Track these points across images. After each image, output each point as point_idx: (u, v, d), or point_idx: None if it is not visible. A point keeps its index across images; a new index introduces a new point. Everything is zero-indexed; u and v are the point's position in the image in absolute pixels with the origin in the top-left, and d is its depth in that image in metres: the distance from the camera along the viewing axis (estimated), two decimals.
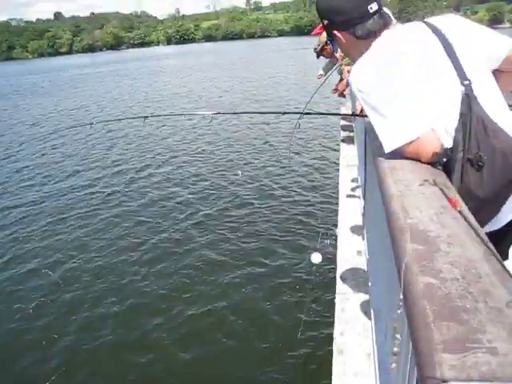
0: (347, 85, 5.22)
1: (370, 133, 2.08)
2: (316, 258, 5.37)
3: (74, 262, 7.52)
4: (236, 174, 10.85)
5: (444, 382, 0.60)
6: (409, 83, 1.51)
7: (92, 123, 3.76)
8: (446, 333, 0.69)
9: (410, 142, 1.50)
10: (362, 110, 2.92)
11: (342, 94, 6.26)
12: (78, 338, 5.61)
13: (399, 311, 1.49)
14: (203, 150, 13.85)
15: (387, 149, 1.54)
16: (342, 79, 6.16)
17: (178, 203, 9.87)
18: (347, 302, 2.81)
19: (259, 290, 6.25)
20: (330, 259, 6.12)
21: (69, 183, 11.93)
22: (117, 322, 5.88)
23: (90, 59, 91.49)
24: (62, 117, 21.56)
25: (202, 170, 12.16)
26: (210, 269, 6.91)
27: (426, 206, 1.16)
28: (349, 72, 4.19)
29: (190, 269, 6.99)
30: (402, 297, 0.89)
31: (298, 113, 2.65)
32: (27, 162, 14.19)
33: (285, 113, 2.66)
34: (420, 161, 1.54)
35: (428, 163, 1.53)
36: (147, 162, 13.30)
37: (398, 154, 1.55)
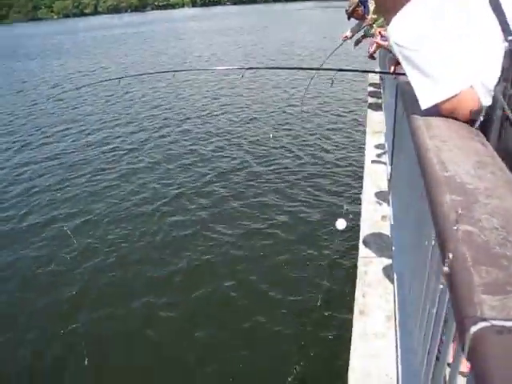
0: (377, 47, 5.08)
1: (404, 91, 2.03)
2: (341, 224, 5.37)
3: (89, 215, 7.81)
4: (267, 134, 10.83)
5: (483, 320, 0.60)
6: (450, 37, 1.46)
7: (122, 77, 3.75)
8: (485, 276, 0.68)
9: (448, 99, 1.45)
10: (394, 70, 2.85)
11: (371, 56, 6.12)
12: (86, 285, 5.93)
13: (430, 262, 1.49)
14: (231, 106, 14.04)
15: (424, 105, 1.50)
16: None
17: (201, 159, 10.05)
18: (370, 265, 2.82)
19: (280, 254, 6.34)
20: (354, 225, 6.17)
21: (89, 139, 12.25)
22: (126, 269, 6.21)
23: (115, 20, 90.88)
24: (84, 76, 21.67)
25: (229, 126, 12.28)
26: (231, 231, 7.02)
27: (464, 160, 1.13)
28: (380, 34, 4.05)
29: (208, 229, 7.13)
30: (436, 246, 0.88)
31: (333, 69, 2.58)
32: (49, 119, 14.39)
33: (318, 69, 2.60)
34: (457, 118, 1.50)
35: (465, 121, 1.49)
36: (172, 117, 13.50)
37: (434, 111, 1.51)
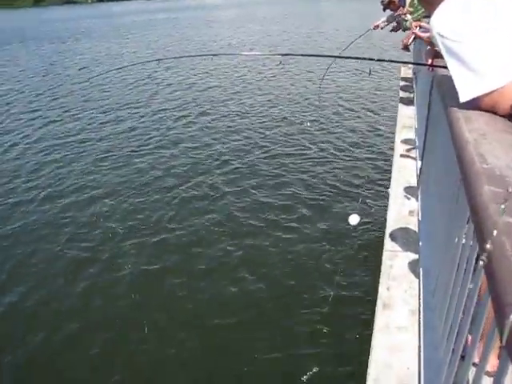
0: (414, 38, 4.99)
1: (441, 84, 2.00)
2: (354, 219, 5.32)
3: (109, 199, 8.00)
4: (303, 123, 10.84)
5: None
6: (495, 29, 1.43)
7: (160, 58, 3.78)
8: None
9: (490, 93, 1.43)
10: (432, 63, 2.81)
11: (406, 48, 6.02)
12: (104, 267, 6.12)
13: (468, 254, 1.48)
14: (261, 93, 14.44)
15: (463, 98, 1.47)
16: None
17: (230, 148, 10.15)
18: (395, 259, 2.80)
19: (302, 246, 6.35)
20: (373, 219, 6.15)
21: (111, 123, 12.45)
22: (143, 254, 6.34)
23: (148, 5, 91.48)
24: (115, 59, 21.90)
25: (260, 113, 12.44)
26: (250, 221, 7.07)
27: (503, 153, 1.12)
28: (416, 26, 3.98)
29: (227, 217, 7.22)
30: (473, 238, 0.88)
31: (368, 58, 2.55)
32: (78, 102, 14.62)
33: (357, 58, 2.56)
34: (496, 113, 1.47)
35: (504, 116, 1.46)
36: (204, 100, 13.85)
37: (473, 105, 1.49)
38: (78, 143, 10.91)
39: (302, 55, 3.09)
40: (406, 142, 5.28)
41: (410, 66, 8.92)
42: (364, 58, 2.60)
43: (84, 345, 4.83)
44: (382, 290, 2.61)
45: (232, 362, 4.51)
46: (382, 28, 6.98)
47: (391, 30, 6.78)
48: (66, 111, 13.61)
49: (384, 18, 6.87)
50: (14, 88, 16.77)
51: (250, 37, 28.63)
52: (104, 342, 4.85)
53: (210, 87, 15.64)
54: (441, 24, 1.50)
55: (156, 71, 17.48)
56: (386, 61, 3.00)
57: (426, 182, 3.48)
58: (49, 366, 4.63)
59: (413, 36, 4.88)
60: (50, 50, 27.37)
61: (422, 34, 2.53)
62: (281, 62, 3.00)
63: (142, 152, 10.10)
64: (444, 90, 1.93)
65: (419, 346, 2.19)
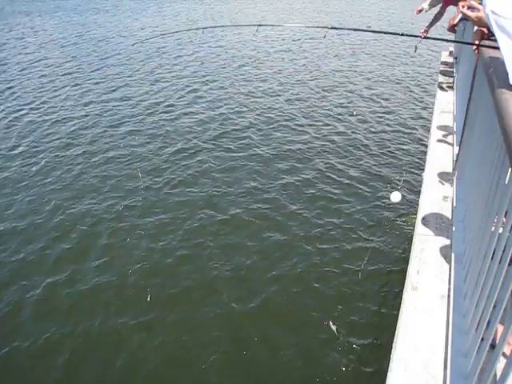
0: (460, 19, 4.81)
1: (488, 65, 1.94)
2: (396, 196, 5.25)
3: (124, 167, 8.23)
4: (352, 114, 10.73)
5: None
6: None
7: (205, 27, 3.78)
8: None
9: None
10: (479, 43, 2.72)
11: (452, 29, 5.78)
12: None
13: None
14: (302, 67, 14.44)
15: None
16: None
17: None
18: (427, 243, 2.78)
19: (331, 225, 6.37)
20: (411, 201, 6.11)
21: (128, 90, 12.58)
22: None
23: None
24: (156, 28, 21.76)
25: (303, 87, 12.51)
26: (292, 199, 7.14)
27: None
28: (463, 6, 3.84)
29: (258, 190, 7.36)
30: None
31: (417, 36, 2.49)
32: (104, 73, 14.69)
33: (402, 34, 2.50)
34: None
35: None
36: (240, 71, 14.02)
37: None
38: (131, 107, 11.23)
39: (347, 29, 3.04)
40: (443, 127, 5.16)
41: (450, 49, 8.67)
42: (409, 35, 2.53)
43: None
44: (411, 272, 2.59)
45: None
46: (426, 11, 6.74)
47: (449, 30, 6.45)
48: (99, 82, 13.78)
49: (427, 3, 6.62)
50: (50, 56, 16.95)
51: (294, 9, 28.02)
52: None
53: (254, 57, 15.74)
54: (494, 2, 1.46)
55: (198, 40, 17.53)
56: (433, 38, 2.91)
57: (462, 168, 3.41)
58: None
59: (459, 16, 4.70)
60: (93, 20, 27.15)
61: (470, 13, 2.42)
62: (325, 36, 2.96)
63: (188, 113, 10.51)
64: (491, 71, 1.88)
65: (447, 331, 2.18)
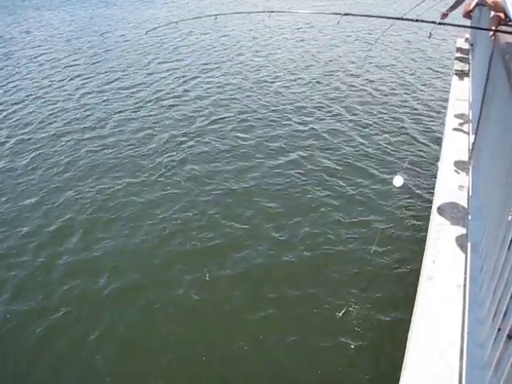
0: (476, 4, 4.69)
1: (505, 51, 1.90)
2: (398, 181, 5.17)
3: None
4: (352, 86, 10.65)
5: None
6: None
7: (218, 14, 3.76)
8: None
9: None
10: (496, 29, 2.67)
11: (467, 15, 5.62)
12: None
13: None
14: (316, 52, 14.42)
15: None
16: None
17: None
18: (443, 232, 2.75)
19: (337, 209, 6.38)
20: (420, 191, 6.09)
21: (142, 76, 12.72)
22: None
23: None
24: (170, 15, 21.68)
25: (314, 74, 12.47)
26: (297, 183, 7.20)
27: None
28: None
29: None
30: None
31: (433, 22, 2.43)
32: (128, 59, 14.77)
33: (417, 20, 2.46)
34: None
35: None
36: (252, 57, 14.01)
37: None
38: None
39: (361, 15, 2.99)
40: (458, 115, 5.08)
41: (466, 36, 8.50)
42: (424, 21, 2.48)
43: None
44: (427, 262, 2.57)
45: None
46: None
47: (464, 16, 6.28)
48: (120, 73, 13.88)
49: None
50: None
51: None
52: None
53: (266, 44, 15.70)
54: None
55: (213, 27, 17.47)
56: (448, 24, 2.84)
57: (478, 157, 3.37)
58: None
59: (475, 1, 4.59)
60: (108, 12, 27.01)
61: None
62: (339, 22, 2.92)
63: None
64: (508, 57, 1.84)
65: (463, 321, 2.17)
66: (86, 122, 9.86)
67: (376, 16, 2.97)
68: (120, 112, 10.31)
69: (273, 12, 3.37)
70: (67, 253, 5.80)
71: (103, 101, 11.04)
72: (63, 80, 12.75)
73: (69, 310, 4.95)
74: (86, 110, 10.49)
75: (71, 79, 12.84)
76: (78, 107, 10.69)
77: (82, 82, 12.56)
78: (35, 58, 15.13)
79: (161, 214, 6.46)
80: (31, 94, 11.64)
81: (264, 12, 3.41)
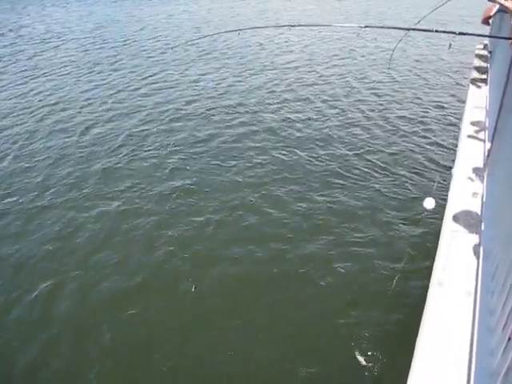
0: (498, 11, 4.62)
1: None
2: (429, 203, 5.10)
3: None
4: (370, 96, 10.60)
5: None
6: None
7: (240, 29, 3.75)
8: None
9: None
10: None
11: (486, 21, 5.53)
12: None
13: None
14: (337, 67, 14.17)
15: None
16: None
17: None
18: (455, 239, 2.73)
19: (353, 221, 6.34)
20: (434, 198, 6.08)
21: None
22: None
23: None
24: (196, 29, 21.71)
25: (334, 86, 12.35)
26: (323, 191, 7.21)
27: None
28: None
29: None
30: None
31: (452, 32, 2.42)
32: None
33: (436, 31, 2.45)
34: None
35: None
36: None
37: None
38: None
39: (380, 27, 2.97)
40: (474, 123, 5.04)
41: (484, 43, 8.42)
42: (442, 31, 2.46)
43: None
44: (438, 268, 2.56)
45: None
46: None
47: (483, 23, 6.12)
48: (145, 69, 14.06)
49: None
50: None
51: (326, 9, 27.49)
52: None
53: (286, 57, 15.45)
54: None
55: (235, 41, 17.34)
56: (467, 34, 2.79)
57: (493, 165, 3.34)
58: None
59: (496, 7, 4.52)
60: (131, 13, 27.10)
61: (509, 4, 2.33)
62: (358, 34, 2.91)
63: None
64: None
65: (473, 329, 2.16)
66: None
67: (395, 27, 2.95)
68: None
69: (292, 26, 3.35)
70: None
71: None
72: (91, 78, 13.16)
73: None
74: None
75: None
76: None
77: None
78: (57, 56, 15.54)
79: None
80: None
81: (283, 26, 3.41)
